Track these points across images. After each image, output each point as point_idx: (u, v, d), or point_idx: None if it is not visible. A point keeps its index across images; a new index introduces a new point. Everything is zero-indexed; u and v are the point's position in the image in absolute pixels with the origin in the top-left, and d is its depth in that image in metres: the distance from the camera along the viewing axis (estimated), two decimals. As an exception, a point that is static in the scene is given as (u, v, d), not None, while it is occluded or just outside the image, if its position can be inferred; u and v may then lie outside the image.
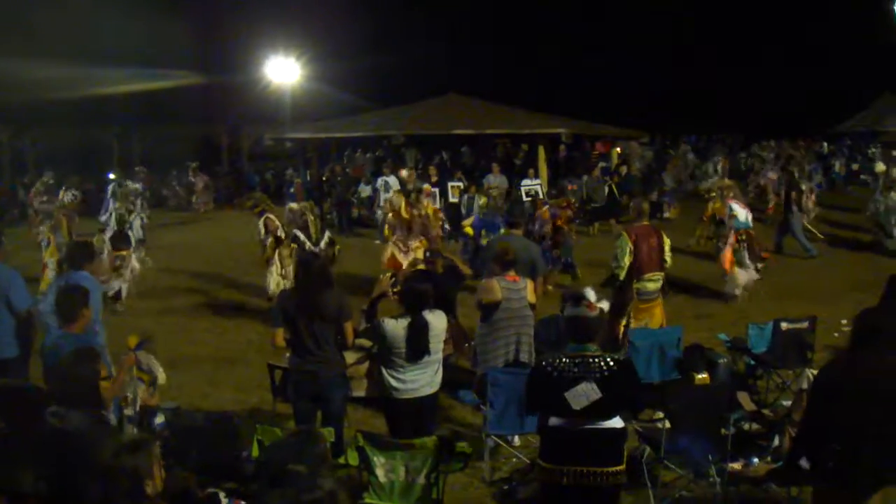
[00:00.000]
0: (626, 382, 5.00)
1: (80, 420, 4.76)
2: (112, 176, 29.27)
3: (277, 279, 12.52)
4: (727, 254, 13.04)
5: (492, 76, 38.96)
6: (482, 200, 19.18)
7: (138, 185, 26.85)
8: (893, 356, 4.96)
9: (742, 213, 13.04)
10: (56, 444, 4.64)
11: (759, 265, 13.10)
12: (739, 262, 12.96)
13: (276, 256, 12.60)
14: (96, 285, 7.54)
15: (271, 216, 12.67)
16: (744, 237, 12.94)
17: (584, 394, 4.85)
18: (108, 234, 13.66)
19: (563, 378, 4.91)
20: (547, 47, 45.67)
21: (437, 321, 6.40)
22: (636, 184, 21.59)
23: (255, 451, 5.85)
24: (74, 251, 7.88)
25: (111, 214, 14.66)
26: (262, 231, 12.67)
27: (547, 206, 14.75)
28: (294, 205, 13.40)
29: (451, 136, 24.51)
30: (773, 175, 21.99)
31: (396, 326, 6.33)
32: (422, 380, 6.39)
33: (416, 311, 6.35)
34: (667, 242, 9.75)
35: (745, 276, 12.96)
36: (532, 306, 8.05)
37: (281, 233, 12.64)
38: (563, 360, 4.99)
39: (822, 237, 16.87)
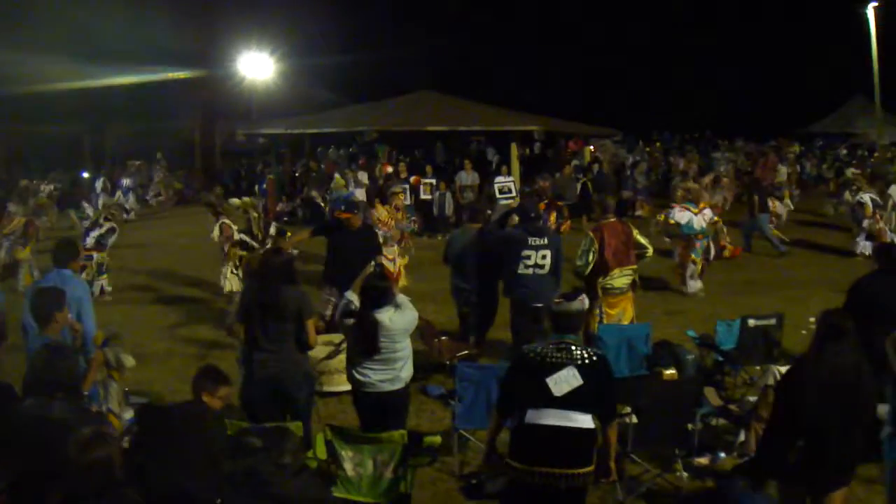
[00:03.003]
0: (602, 376, 5.04)
1: (62, 409, 4.72)
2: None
3: (233, 278, 12.26)
4: (679, 263, 13.53)
5: (465, 73, 39.00)
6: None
7: (129, 181, 26.74)
8: (856, 355, 5.03)
9: (685, 218, 13.13)
10: (27, 436, 4.60)
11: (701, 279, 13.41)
12: (690, 275, 13.32)
13: (232, 257, 12.34)
14: (82, 284, 7.39)
15: (227, 221, 12.37)
16: (699, 246, 13.18)
17: (566, 379, 4.88)
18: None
19: (546, 363, 4.95)
20: (522, 45, 45.84)
21: (393, 320, 6.29)
22: (609, 181, 21.66)
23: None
24: (61, 249, 7.60)
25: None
26: (218, 234, 12.40)
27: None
28: (236, 200, 13.02)
29: (425, 132, 24.48)
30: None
31: (351, 323, 6.35)
32: (383, 375, 6.33)
33: (366, 308, 6.28)
34: (636, 233, 9.68)
35: (693, 286, 13.31)
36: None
37: (236, 236, 12.37)
38: (547, 347, 5.03)
39: (787, 240, 17.00)
